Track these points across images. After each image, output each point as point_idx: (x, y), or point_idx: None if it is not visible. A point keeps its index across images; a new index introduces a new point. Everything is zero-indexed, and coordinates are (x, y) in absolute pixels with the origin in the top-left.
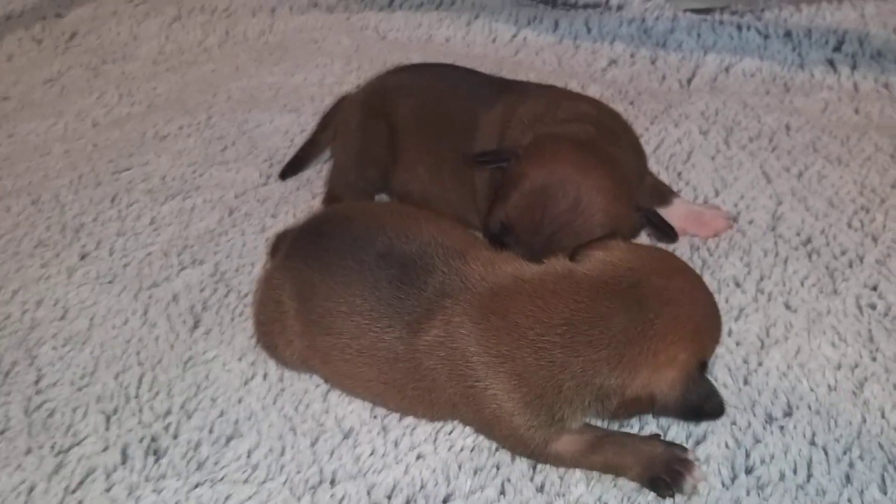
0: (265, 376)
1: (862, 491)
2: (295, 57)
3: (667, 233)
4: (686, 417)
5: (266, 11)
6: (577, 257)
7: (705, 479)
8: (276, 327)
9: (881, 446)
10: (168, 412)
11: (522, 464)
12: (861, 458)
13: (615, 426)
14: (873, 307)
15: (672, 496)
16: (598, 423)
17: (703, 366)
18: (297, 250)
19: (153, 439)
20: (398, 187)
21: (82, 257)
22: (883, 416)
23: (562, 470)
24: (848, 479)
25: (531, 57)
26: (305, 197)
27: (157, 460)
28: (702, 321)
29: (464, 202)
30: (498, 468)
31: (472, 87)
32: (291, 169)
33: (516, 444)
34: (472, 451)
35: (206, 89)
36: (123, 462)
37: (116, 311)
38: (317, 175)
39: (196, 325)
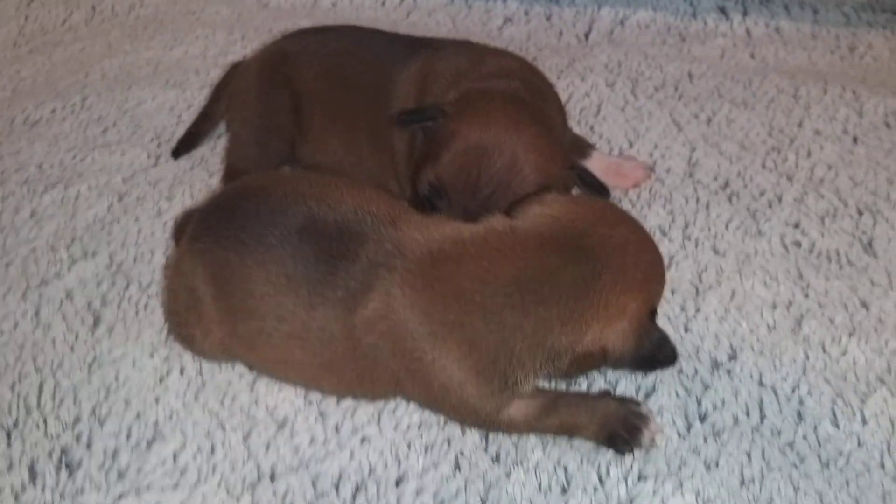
0: (182, 371)
1: (815, 427)
2: (172, 30)
3: (598, 190)
4: (640, 368)
5: None
6: (514, 214)
7: (661, 430)
8: (191, 317)
9: (827, 381)
10: (77, 420)
11: (474, 435)
12: (810, 394)
13: (564, 386)
14: (798, 245)
15: (631, 451)
16: (548, 385)
17: (652, 314)
18: (206, 231)
19: (63, 451)
20: (306, 158)
21: None
22: (825, 351)
23: (515, 437)
24: (800, 416)
25: (424, 18)
26: (202, 176)
27: (70, 474)
28: (648, 268)
29: (382, 169)
30: (449, 442)
31: (382, 47)
32: (184, 146)
33: (467, 415)
34: (419, 427)
35: (77, 69)
36: (32, 480)
37: (3, 315)
38: (211, 152)
39: (97, 323)
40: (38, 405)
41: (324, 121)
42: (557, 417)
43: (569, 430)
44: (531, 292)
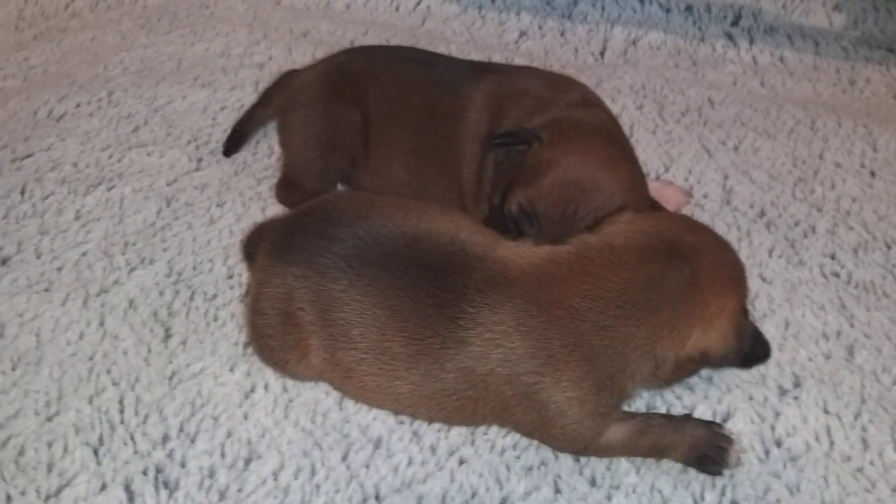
0: (266, 387)
1: (881, 453)
2: (188, 23)
3: None
4: (742, 364)
5: None
6: (595, 232)
7: (744, 451)
8: (287, 341)
9: (885, 409)
10: (166, 437)
11: (567, 459)
12: (871, 421)
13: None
14: (837, 275)
15: (721, 472)
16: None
17: (745, 311)
18: (299, 254)
19: (158, 470)
20: (364, 179)
21: (4, 262)
22: (878, 380)
23: (607, 461)
24: (865, 442)
25: (440, 26)
26: (249, 182)
27: (171, 494)
28: (736, 268)
29: (445, 191)
30: (546, 465)
31: (446, 69)
32: (234, 145)
33: (574, 438)
34: (514, 448)
35: (93, 60)
36: (131, 500)
37: (66, 324)
38: (253, 157)
39: (168, 335)
40: (122, 421)
41: (388, 142)
42: (650, 439)
43: (660, 452)
44: (641, 301)
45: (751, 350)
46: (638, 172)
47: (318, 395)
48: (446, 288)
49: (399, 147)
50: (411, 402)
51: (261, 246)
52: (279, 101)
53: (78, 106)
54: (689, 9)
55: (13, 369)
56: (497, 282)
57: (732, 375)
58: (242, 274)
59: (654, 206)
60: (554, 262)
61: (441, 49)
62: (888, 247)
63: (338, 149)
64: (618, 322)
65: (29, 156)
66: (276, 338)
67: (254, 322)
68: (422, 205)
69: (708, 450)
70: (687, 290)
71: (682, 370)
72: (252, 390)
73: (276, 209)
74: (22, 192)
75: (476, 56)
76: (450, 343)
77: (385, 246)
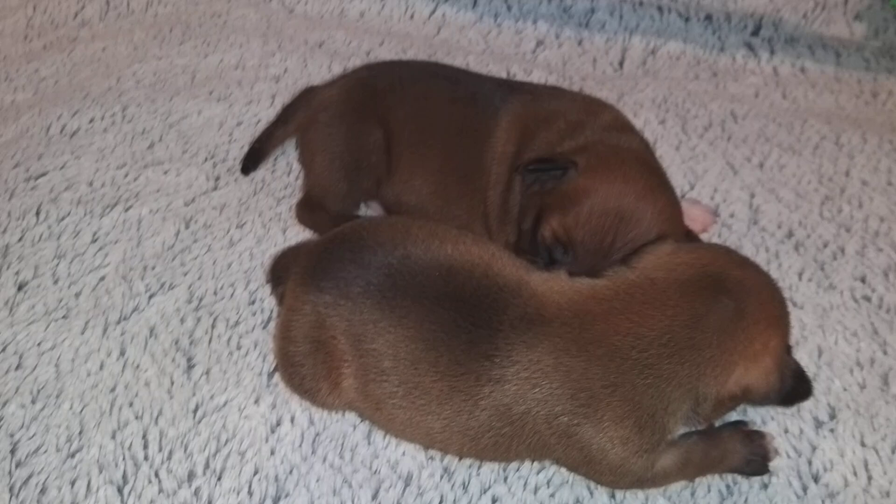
0: (293, 420)
1: None
2: (202, 35)
3: None
4: (783, 403)
5: None
6: (633, 264)
7: (777, 444)
8: (318, 370)
9: None
10: (191, 475)
11: (602, 494)
12: None
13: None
14: (868, 299)
15: (767, 470)
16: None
17: (788, 349)
18: (331, 280)
19: None
20: (389, 198)
21: (20, 287)
22: None
23: (642, 496)
24: None
25: (456, 35)
26: (268, 202)
27: None
28: (781, 304)
29: (470, 212)
30: (580, 502)
31: (472, 87)
32: (252, 163)
33: (623, 474)
34: (548, 486)
35: (106, 72)
36: None
37: (86, 354)
38: (271, 175)
39: (191, 365)
40: (146, 457)
41: (412, 160)
42: (696, 462)
43: (709, 469)
44: (684, 339)
45: (793, 388)
46: (675, 201)
47: (346, 429)
48: (480, 323)
49: (424, 165)
50: (443, 438)
51: (292, 271)
52: (300, 118)
53: (91, 121)
54: (708, 18)
55: (33, 402)
56: (532, 319)
57: (768, 407)
58: (265, 299)
59: (688, 235)
60: (593, 298)
61: (458, 60)
62: None
63: (363, 169)
64: (660, 361)
65: (43, 174)
66: (306, 366)
67: (284, 349)
68: (456, 233)
69: (749, 454)
70: (731, 327)
71: (723, 407)
72: (278, 423)
73: (296, 230)
74: (37, 214)
75: (494, 68)
76: (484, 380)
77: (420, 277)
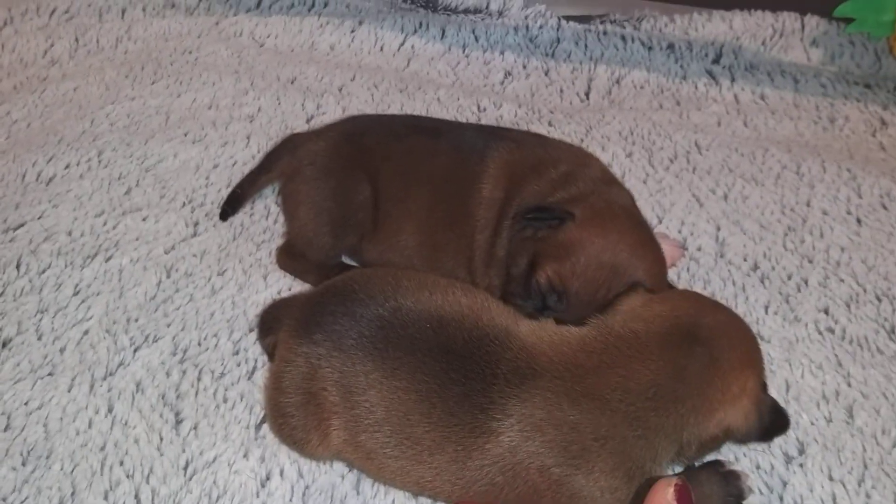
0: (282, 473)
1: None
2: (173, 72)
3: None
4: (762, 439)
5: (115, 13)
6: (610, 312)
7: (751, 482)
8: (308, 421)
9: (887, 474)
10: None
11: None
12: (874, 487)
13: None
14: (832, 331)
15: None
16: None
17: (764, 386)
18: (324, 332)
19: None
20: (373, 256)
21: (4, 344)
22: (878, 443)
23: None
24: None
25: (426, 67)
26: (248, 248)
27: None
28: (752, 344)
29: (456, 259)
30: None
31: (456, 138)
32: (231, 208)
33: None
34: None
35: (79, 114)
36: None
37: (74, 412)
38: (250, 219)
39: (179, 420)
40: None
41: (399, 214)
42: None
43: None
44: (669, 392)
45: (771, 423)
46: (661, 256)
47: (335, 480)
48: (473, 376)
49: (410, 218)
50: (433, 486)
51: (284, 323)
52: (283, 167)
53: (67, 167)
54: (670, 46)
55: (23, 464)
56: (525, 373)
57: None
58: (248, 349)
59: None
60: (583, 350)
61: (430, 94)
62: (878, 300)
63: (349, 225)
64: (647, 413)
65: (21, 225)
66: (297, 417)
67: (275, 400)
68: (445, 282)
69: (727, 495)
70: (708, 375)
71: (706, 448)
72: (268, 477)
73: (277, 276)
74: (17, 267)
75: (465, 102)
76: (478, 432)
77: (411, 329)
